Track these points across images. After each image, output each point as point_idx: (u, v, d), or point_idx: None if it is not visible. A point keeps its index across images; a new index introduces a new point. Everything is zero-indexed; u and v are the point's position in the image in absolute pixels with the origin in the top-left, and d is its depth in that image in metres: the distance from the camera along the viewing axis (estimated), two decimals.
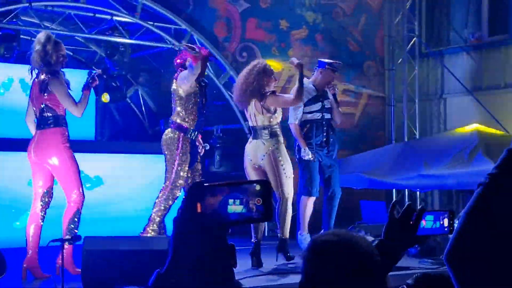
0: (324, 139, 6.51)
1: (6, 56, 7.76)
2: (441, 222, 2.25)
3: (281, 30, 9.00)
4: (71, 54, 8.87)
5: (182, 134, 5.65)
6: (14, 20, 7.43)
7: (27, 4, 7.17)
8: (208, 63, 6.02)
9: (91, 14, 7.77)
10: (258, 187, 1.46)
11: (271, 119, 5.83)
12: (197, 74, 5.55)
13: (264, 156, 5.81)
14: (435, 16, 10.44)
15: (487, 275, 1.32)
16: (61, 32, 8.19)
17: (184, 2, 8.34)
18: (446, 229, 2.24)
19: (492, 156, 6.91)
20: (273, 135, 5.82)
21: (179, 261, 1.42)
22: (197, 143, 5.77)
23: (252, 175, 5.85)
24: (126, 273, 4.63)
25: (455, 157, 7.24)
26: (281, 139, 5.90)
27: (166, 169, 5.67)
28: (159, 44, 8.35)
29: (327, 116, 6.56)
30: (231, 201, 1.44)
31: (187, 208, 1.41)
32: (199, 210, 1.41)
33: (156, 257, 4.71)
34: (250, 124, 5.98)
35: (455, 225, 1.63)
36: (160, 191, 5.66)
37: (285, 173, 5.79)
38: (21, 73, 8.15)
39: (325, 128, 6.52)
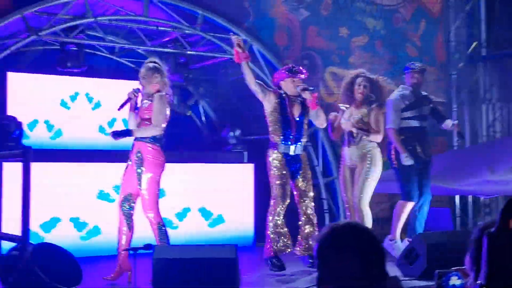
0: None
1: (71, 69, 7.95)
2: None
3: (341, 37, 8.98)
4: (133, 66, 9.05)
5: (271, 149, 5.74)
6: (80, 34, 7.62)
7: (93, 19, 7.34)
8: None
9: (154, 27, 7.91)
10: None
11: None
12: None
13: None
14: (496, 19, 10.23)
15: None
16: (124, 46, 8.38)
17: (244, 13, 8.40)
18: None
19: None
20: None
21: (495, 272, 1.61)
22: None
23: None
24: (195, 281, 4.71)
25: None
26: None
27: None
28: (218, 55, 8.43)
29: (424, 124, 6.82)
30: None
31: (500, 223, 1.56)
32: (510, 227, 1.53)
33: (223, 265, 4.77)
34: None
35: None
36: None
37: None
38: (86, 86, 8.39)
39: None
